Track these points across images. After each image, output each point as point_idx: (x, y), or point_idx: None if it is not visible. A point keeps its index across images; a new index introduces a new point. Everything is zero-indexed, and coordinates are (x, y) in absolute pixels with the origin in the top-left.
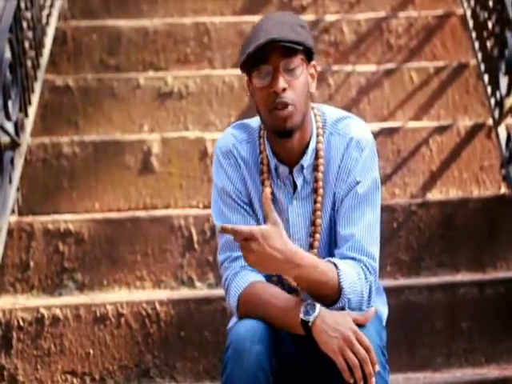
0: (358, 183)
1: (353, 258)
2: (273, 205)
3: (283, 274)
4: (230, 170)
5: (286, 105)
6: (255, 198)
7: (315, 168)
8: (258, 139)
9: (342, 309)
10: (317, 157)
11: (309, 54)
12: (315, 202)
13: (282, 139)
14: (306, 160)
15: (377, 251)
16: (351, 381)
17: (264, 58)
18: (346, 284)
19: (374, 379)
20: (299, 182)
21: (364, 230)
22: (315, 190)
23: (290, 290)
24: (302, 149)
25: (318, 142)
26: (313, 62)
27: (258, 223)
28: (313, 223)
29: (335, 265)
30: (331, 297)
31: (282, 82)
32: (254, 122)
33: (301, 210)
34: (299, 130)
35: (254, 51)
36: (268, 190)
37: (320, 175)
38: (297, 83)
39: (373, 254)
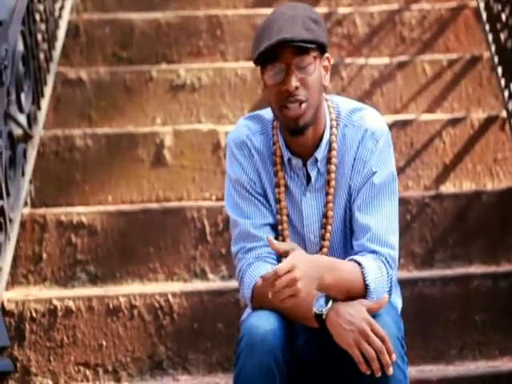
0: (374, 174)
1: (374, 251)
2: (286, 196)
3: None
4: (243, 161)
5: (298, 103)
6: (269, 188)
7: (328, 161)
8: (272, 130)
9: None
10: (330, 149)
11: (322, 48)
12: (327, 194)
13: (295, 136)
14: (320, 152)
15: (396, 241)
16: (368, 372)
17: (276, 55)
18: (371, 281)
19: (391, 369)
20: (313, 174)
21: (382, 220)
22: (328, 182)
23: None
24: (315, 142)
25: (331, 135)
26: (326, 55)
27: (272, 213)
28: (324, 215)
29: (358, 263)
30: (359, 294)
31: (294, 81)
32: (268, 113)
33: (314, 201)
34: (312, 125)
35: (265, 50)
36: (271, 238)
37: (333, 167)
38: (310, 80)
39: (393, 244)
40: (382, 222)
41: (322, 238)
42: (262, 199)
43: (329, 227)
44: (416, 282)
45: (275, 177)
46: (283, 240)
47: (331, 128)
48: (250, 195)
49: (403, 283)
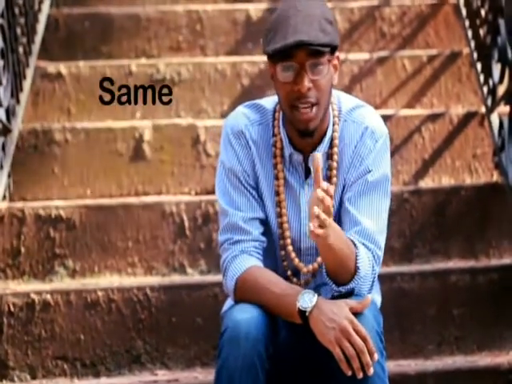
0: (369, 171)
1: (362, 244)
2: (285, 189)
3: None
4: (239, 151)
5: (309, 105)
6: (263, 181)
7: (330, 157)
8: (272, 121)
9: (351, 292)
10: (331, 145)
11: (334, 48)
12: None
13: (304, 138)
14: (322, 148)
15: (383, 241)
16: (349, 372)
17: (290, 54)
18: (361, 265)
19: (372, 369)
20: (313, 168)
21: (372, 217)
22: (329, 178)
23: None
24: (319, 138)
25: (333, 131)
26: (336, 54)
27: (263, 207)
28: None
29: (354, 244)
30: (347, 274)
31: (306, 82)
32: (268, 102)
33: (312, 195)
34: (320, 125)
35: (281, 49)
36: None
37: (334, 164)
38: (322, 82)
39: (379, 243)
40: (371, 219)
41: None
42: (253, 192)
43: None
44: (395, 277)
45: (274, 169)
46: (282, 232)
47: (333, 124)
48: (243, 186)
49: (382, 278)
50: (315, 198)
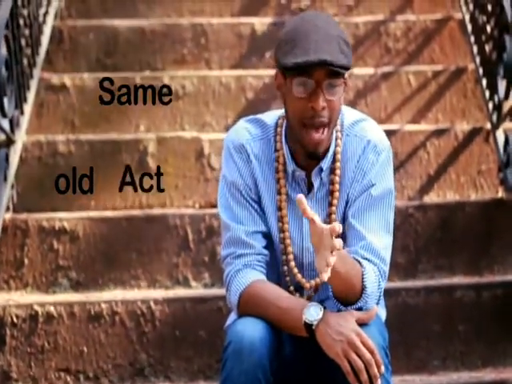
0: (372, 185)
1: (367, 259)
2: (287, 204)
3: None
4: (241, 165)
5: (322, 125)
6: (265, 195)
7: (332, 171)
8: (274, 137)
9: (359, 309)
10: (334, 160)
11: (348, 69)
12: (330, 204)
13: (311, 159)
14: (326, 163)
15: (388, 256)
16: None
17: (310, 71)
18: (368, 283)
19: (379, 381)
20: (316, 184)
21: (376, 232)
22: (331, 193)
23: (298, 288)
24: (323, 154)
25: (336, 146)
26: (347, 73)
27: (265, 221)
28: None
29: (359, 263)
30: (355, 294)
31: (322, 101)
32: (269, 118)
33: (315, 210)
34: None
35: (303, 64)
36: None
37: (337, 179)
38: (335, 102)
39: (385, 259)
40: (375, 234)
41: None
42: (255, 206)
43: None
44: (399, 292)
45: (276, 184)
46: (284, 248)
47: (336, 139)
48: (245, 200)
49: (387, 293)
50: (315, 233)
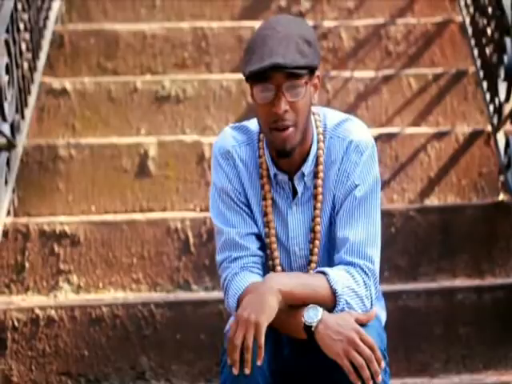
0: (356, 186)
1: (349, 263)
2: (273, 209)
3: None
4: (229, 171)
5: (286, 127)
6: (253, 200)
7: (315, 175)
8: (257, 143)
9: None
10: (317, 163)
11: (313, 69)
12: (315, 208)
13: (282, 158)
14: (307, 167)
15: (375, 253)
16: (358, 383)
17: (266, 76)
18: (338, 286)
19: (380, 377)
20: (299, 188)
21: (361, 232)
22: (315, 197)
23: None
24: (302, 157)
25: (318, 149)
26: (317, 73)
27: (256, 224)
28: (312, 230)
29: (323, 273)
30: (328, 302)
31: (283, 104)
32: (253, 124)
33: (300, 215)
34: (299, 146)
35: (256, 71)
36: None
37: (320, 182)
38: (299, 104)
39: (370, 256)
40: (360, 234)
41: (311, 252)
42: (246, 209)
43: (317, 242)
44: (400, 295)
45: (262, 190)
46: (271, 253)
47: (318, 142)
48: (235, 204)
49: (387, 296)
50: None
